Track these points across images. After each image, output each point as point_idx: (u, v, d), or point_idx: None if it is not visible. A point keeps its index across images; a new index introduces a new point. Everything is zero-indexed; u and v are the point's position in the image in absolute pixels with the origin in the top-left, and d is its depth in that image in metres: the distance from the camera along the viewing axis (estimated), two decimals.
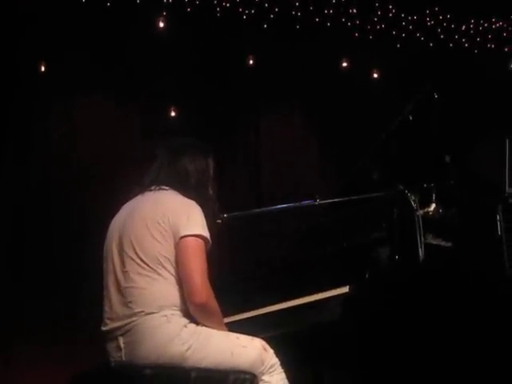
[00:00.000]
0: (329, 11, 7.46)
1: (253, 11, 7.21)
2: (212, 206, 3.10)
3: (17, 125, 6.52)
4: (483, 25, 8.00)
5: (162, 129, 6.76)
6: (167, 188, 3.02)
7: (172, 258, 2.86)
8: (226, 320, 3.07)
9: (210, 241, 2.91)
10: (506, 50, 8.10)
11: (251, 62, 7.29)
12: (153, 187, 3.05)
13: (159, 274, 2.85)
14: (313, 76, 7.48)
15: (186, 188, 3.01)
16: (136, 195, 3.08)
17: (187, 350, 2.77)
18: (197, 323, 2.86)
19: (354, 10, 7.55)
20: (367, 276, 3.05)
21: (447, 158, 3.60)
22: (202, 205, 2.97)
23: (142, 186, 3.10)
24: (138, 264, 2.87)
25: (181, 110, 7.06)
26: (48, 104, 6.65)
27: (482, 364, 3.43)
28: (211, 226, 2.96)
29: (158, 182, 3.05)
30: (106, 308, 2.94)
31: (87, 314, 3.12)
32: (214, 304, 2.84)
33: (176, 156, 3.09)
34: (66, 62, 6.54)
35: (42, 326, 5.89)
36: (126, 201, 3.11)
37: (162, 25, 6.83)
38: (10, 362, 5.67)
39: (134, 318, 2.82)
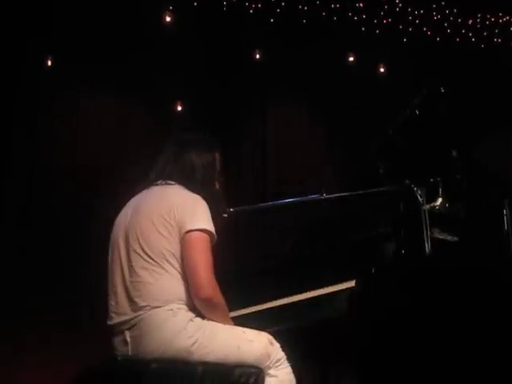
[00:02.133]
0: (335, 6, 7.46)
1: (259, 6, 7.21)
2: (218, 201, 3.10)
3: (21, 120, 6.55)
4: (490, 19, 7.98)
5: (168, 123, 6.77)
6: (173, 183, 3.02)
7: (178, 253, 2.86)
8: (232, 314, 3.07)
9: (216, 235, 2.91)
10: None
11: (258, 56, 7.29)
12: (159, 182, 3.05)
13: (165, 269, 2.85)
14: (319, 70, 7.49)
15: (192, 182, 3.01)
16: (142, 190, 3.08)
17: (193, 344, 2.77)
18: (203, 317, 2.86)
19: (361, 5, 7.55)
20: (373, 270, 3.04)
21: (454, 153, 3.60)
22: (207, 199, 2.97)
23: (148, 181, 3.10)
24: (143, 259, 2.87)
25: (187, 105, 7.06)
26: (52, 99, 6.67)
27: (488, 359, 3.43)
28: (217, 220, 2.96)
29: (164, 177, 3.05)
30: (112, 302, 2.94)
31: (92, 309, 3.12)
32: (219, 298, 2.84)
33: (182, 150, 3.09)
34: (71, 58, 6.56)
35: (42, 326, 5.90)
36: (132, 195, 3.11)
37: (168, 19, 6.84)
38: (11, 362, 5.68)
39: (140, 313, 2.83)
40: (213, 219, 2.93)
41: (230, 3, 7.06)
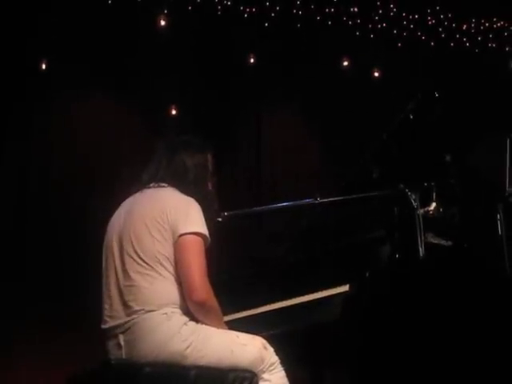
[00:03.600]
0: (330, 10, 7.46)
1: (254, 10, 7.21)
2: (211, 203, 3.09)
3: (18, 123, 6.53)
4: (484, 24, 8.00)
5: (163, 127, 6.76)
6: (166, 185, 3.02)
7: (171, 257, 2.85)
8: (226, 318, 3.06)
9: (209, 238, 2.91)
10: (507, 49, 8.10)
11: (252, 60, 7.28)
12: (151, 184, 3.04)
13: (159, 273, 2.84)
14: (314, 75, 7.48)
15: (185, 183, 3.00)
16: (135, 192, 3.07)
17: (187, 348, 2.76)
18: (197, 321, 2.86)
19: (355, 9, 7.55)
20: (367, 274, 3.04)
21: (448, 157, 3.60)
22: (200, 200, 2.96)
23: (140, 183, 3.09)
24: (137, 263, 2.86)
25: (181, 109, 7.06)
26: (49, 102, 6.66)
27: (481, 363, 3.43)
28: (210, 222, 2.96)
29: (157, 179, 3.04)
30: (106, 306, 2.93)
31: (92, 309, 3.11)
32: (213, 302, 2.84)
33: (174, 152, 3.08)
34: (67, 61, 6.55)
35: (42, 326, 5.88)
36: (125, 198, 3.10)
37: (162, 23, 6.83)
38: (10, 362, 5.66)
39: (134, 316, 2.82)
40: (206, 221, 2.93)
41: (225, 7, 7.06)
